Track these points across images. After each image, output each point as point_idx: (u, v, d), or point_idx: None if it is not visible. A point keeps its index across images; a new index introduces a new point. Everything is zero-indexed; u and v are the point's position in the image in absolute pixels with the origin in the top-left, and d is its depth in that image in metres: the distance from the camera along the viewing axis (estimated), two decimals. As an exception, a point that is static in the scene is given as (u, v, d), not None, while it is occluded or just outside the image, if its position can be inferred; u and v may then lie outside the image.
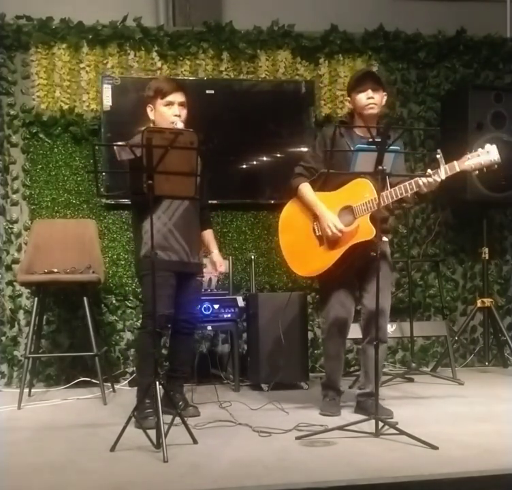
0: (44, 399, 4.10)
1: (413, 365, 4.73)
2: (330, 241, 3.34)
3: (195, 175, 2.94)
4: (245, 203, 4.82)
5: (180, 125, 3.33)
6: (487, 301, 4.77)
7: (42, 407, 3.88)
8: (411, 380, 4.40)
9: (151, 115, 3.45)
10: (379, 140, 3.00)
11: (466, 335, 5.04)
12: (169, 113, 3.39)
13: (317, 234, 3.40)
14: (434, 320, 5.00)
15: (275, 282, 4.84)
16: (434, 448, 2.73)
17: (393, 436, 2.89)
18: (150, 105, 3.44)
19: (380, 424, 2.95)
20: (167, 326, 3.47)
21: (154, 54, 4.74)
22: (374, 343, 3.07)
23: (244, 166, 4.84)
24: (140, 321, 3.74)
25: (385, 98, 3.49)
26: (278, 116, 4.81)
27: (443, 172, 3.12)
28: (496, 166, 3.14)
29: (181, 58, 4.79)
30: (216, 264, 3.70)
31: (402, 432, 2.86)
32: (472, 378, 4.48)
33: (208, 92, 4.72)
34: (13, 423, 3.47)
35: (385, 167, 3.00)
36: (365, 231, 3.24)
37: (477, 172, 3.19)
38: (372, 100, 3.39)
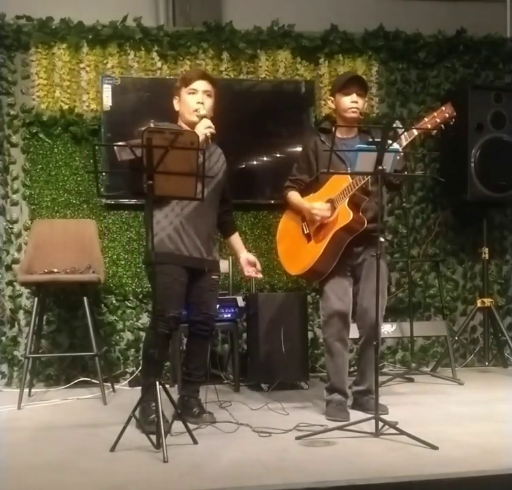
0: (44, 399, 4.10)
1: (413, 365, 4.73)
2: (316, 236, 3.46)
3: (196, 175, 2.93)
4: (245, 203, 4.81)
5: (203, 112, 3.31)
6: (487, 301, 4.77)
7: (42, 407, 3.88)
8: (411, 380, 4.40)
9: (177, 106, 3.41)
10: (379, 140, 3.02)
11: (466, 335, 5.03)
12: (193, 100, 3.33)
13: (305, 233, 3.53)
14: (434, 320, 4.99)
15: (275, 282, 4.84)
16: (434, 448, 2.73)
17: (393, 436, 2.90)
18: (176, 97, 3.41)
19: (380, 424, 2.95)
20: (176, 328, 3.34)
21: (154, 54, 4.74)
22: (374, 343, 3.10)
23: (244, 166, 4.83)
24: (150, 321, 3.67)
25: (366, 104, 3.68)
26: (278, 116, 4.81)
27: (404, 139, 3.20)
28: (453, 119, 3.21)
29: (181, 58, 4.78)
30: (255, 264, 3.52)
31: (402, 432, 2.86)
32: (472, 378, 4.48)
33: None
34: (13, 423, 3.48)
35: (384, 167, 3.02)
36: (343, 215, 3.35)
37: (435, 131, 3.32)
38: (355, 104, 3.47)
